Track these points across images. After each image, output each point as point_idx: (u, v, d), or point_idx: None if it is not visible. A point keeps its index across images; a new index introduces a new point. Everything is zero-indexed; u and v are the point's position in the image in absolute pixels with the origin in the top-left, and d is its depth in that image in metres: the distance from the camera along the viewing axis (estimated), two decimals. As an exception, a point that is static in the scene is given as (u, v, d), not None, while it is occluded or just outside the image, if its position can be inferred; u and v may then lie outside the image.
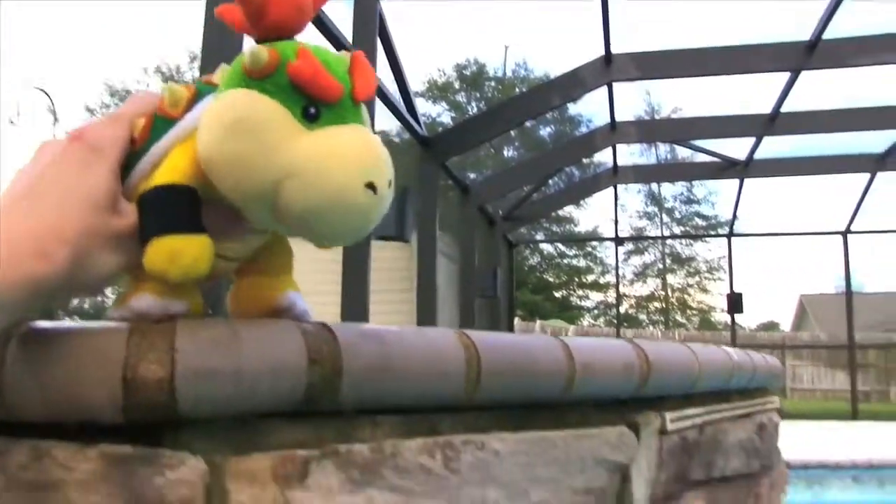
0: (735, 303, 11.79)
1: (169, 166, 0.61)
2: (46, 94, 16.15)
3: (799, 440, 6.69)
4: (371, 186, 0.58)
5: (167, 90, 0.65)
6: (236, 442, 0.59)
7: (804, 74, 7.04)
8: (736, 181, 10.76)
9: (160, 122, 0.64)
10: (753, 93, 9.17)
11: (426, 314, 7.01)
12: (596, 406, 0.92)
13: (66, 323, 0.61)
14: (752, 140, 9.13)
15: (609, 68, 7.17)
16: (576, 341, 0.87)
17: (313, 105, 0.59)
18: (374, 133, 0.63)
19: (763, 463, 1.52)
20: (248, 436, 0.60)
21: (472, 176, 19.75)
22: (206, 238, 0.59)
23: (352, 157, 0.58)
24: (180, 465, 0.55)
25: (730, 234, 12.51)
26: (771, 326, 32.16)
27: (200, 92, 0.64)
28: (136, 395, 0.54)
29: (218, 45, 3.12)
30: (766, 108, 8.17)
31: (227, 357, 0.56)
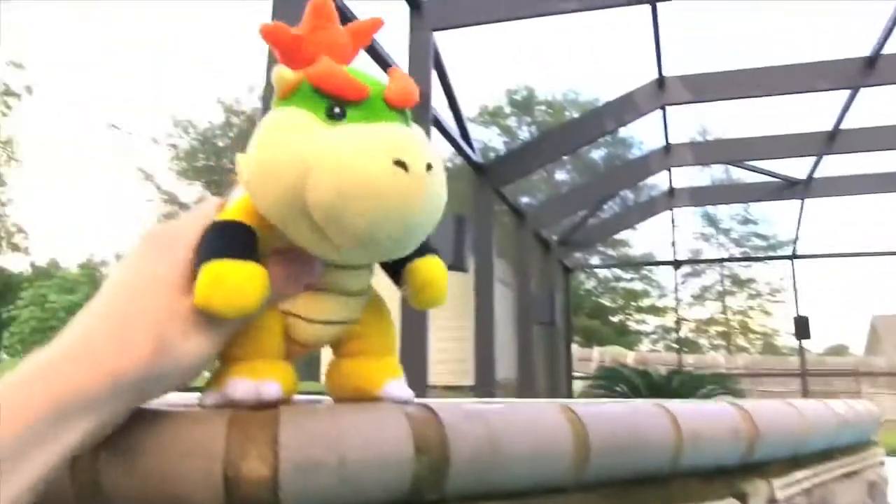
0: (802, 327, 11.41)
1: (225, 211, 0.61)
2: (118, 128, 16.66)
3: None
4: (401, 164, 0.53)
5: (237, 157, 0.64)
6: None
7: (866, 90, 6.87)
8: (797, 201, 10.52)
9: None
10: (812, 110, 8.94)
11: (484, 342, 6.96)
12: (701, 477, 0.87)
13: (163, 406, 0.58)
14: (812, 159, 8.92)
15: (662, 91, 7.09)
16: (679, 408, 0.82)
17: (337, 105, 0.57)
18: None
19: (870, 521, 1.43)
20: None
21: (525, 200, 19.67)
22: (257, 267, 0.56)
23: (375, 138, 0.54)
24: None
25: (793, 256, 12.19)
26: (840, 350, 31.08)
27: None
28: (238, 493, 0.51)
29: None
30: (826, 126, 7.98)
31: (330, 448, 0.53)
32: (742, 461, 0.91)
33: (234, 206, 0.61)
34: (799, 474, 1.05)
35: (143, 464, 0.54)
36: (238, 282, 0.55)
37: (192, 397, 0.63)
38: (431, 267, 0.66)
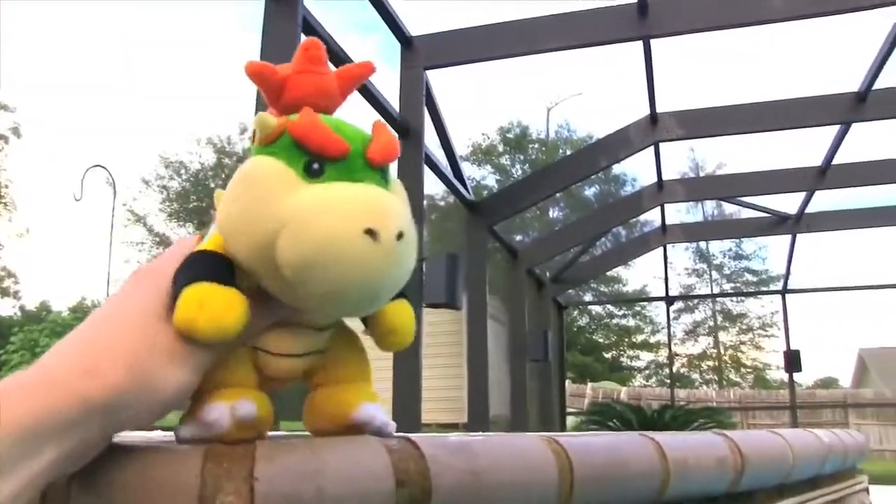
0: (793, 361, 11.42)
1: (202, 244, 0.61)
2: (106, 169, 16.65)
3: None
4: (370, 233, 0.53)
5: (216, 193, 0.66)
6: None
7: (856, 125, 6.93)
8: (787, 236, 10.57)
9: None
10: (803, 145, 9.02)
11: (477, 380, 6.92)
12: (689, 507, 0.86)
13: (136, 439, 0.57)
14: (803, 194, 8.98)
15: (655, 128, 7.13)
16: (666, 438, 0.81)
17: (316, 161, 0.57)
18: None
19: (857, 549, 1.42)
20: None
21: (518, 238, 19.73)
22: (237, 292, 0.56)
23: (347, 203, 0.54)
24: None
25: (784, 291, 12.21)
26: (829, 383, 31.15)
27: None
28: (213, 529, 0.50)
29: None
30: (817, 161, 8.03)
31: (308, 482, 0.52)
32: (729, 490, 0.91)
33: (212, 240, 0.61)
34: (785, 503, 1.04)
35: (115, 498, 0.53)
36: (222, 304, 0.55)
37: (170, 435, 0.62)
38: (398, 312, 0.65)
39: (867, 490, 1.59)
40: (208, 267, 0.57)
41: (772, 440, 1.03)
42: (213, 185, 29.12)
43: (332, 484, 0.52)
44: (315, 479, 0.52)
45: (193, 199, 29.64)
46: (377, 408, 0.64)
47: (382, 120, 0.63)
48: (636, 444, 0.77)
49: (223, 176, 29.13)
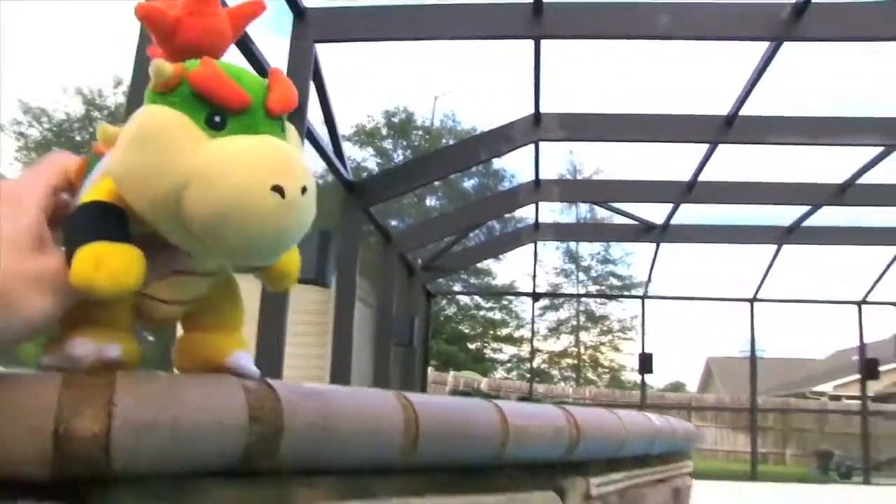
0: (646, 363, 12.04)
1: (92, 190, 0.60)
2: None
3: (701, 501, 6.75)
4: (278, 190, 0.54)
5: (100, 128, 0.64)
6: (168, 502, 0.57)
7: (722, 146, 7.35)
8: (652, 245, 11.07)
9: (94, 161, 0.63)
10: (674, 160, 9.48)
11: (341, 360, 6.93)
12: (525, 470, 0.92)
13: (-9, 368, 0.58)
14: (669, 206, 9.43)
15: (537, 127, 7.32)
16: (509, 405, 0.87)
17: (218, 114, 0.57)
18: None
19: (676, 527, 1.55)
20: (180, 496, 0.58)
21: (393, 223, 19.77)
22: (135, 249, 0.56)
23: (253, 159, 0.55)
24: (107, 525, 0.52)
25: (644, 297, 12.80)
26: (678, 387, 32.90)
27: None
28: (69, 451, 0.51)
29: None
30: (685, 177, 8.46)
31: (164, 410, 0.54)
32: (564, 458, 0.98)
33: (103, 187, 0.60)
34: (614, 476, 1.13)
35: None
36: (120, 264, 0.55)
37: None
38: (290, 258, 0.68)
39: (690, 474, 1.73)
40: (102, 222, 0.57)
41: (607, 417, 1.11)
42: (78, 138, 27.67)
43: (187, 413, 0.55)
44: (171, 407, 0.54)
45: (55, 149, 28.02)
46: (248, 357, 0.67)
47: (279, 68, 0.64)
48: (481, 408, 0.83)
49: (90, 129, 27.68)
